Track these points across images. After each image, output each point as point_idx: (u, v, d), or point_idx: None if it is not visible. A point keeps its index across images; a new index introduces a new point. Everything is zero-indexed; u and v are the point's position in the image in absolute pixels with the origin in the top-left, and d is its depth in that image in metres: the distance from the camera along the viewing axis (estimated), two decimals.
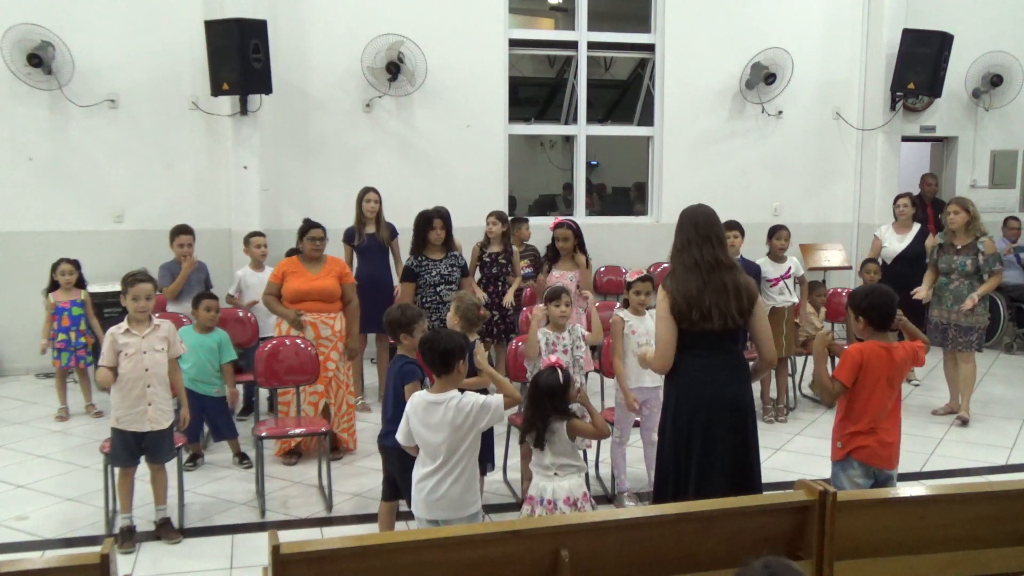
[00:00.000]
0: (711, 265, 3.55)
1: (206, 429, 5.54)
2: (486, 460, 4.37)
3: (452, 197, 7.00)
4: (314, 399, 5.43)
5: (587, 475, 4.15)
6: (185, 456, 5.09)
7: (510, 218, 7.36)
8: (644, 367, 4.17)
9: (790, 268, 6.34)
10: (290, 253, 7.15)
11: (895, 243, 7.10)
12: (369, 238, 6.70)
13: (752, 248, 6.73)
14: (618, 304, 6.41)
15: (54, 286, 6.42)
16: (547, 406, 3.71)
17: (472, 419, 3.37)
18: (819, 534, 2.50)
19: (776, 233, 6.39)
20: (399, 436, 3.57)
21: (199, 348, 5.29)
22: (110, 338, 4.18)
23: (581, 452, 4.07)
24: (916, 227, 7.09)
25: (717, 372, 3.57)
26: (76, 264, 6.48)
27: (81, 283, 6.53)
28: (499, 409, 3.42)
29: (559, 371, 3.76)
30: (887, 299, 3.69)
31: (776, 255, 6.35)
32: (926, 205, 9.36)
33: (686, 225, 3.65)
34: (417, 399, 3.48)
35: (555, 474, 3.73)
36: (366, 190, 6.77)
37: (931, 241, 6.92)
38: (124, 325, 4.21)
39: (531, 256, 7.29)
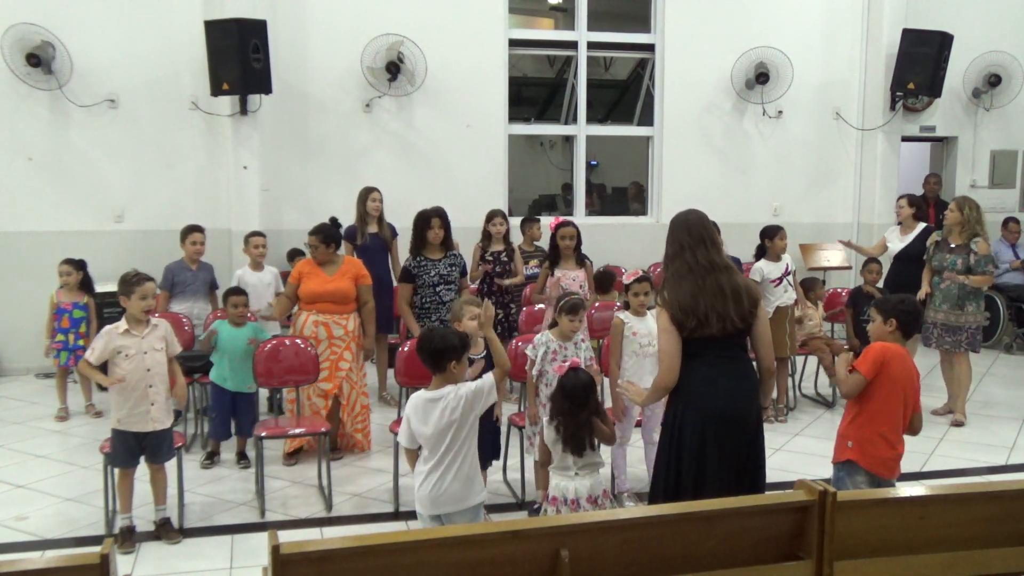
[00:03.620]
0: (706, 268, 3.45)
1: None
2: (490, 454, 4.38)
3: (452, 197, 7.00)
4: (323, 396, 5.43)
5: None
6: (175, 452, 5.07)
7: (521, 218, 7.40)
8: (649, 400, 3.89)
9: (788, 265, 6.35)
10: (291, 253, 7.19)
11: (896, 242, 7.11)
12: (372, 237, 6.71)
13: (752, 248, 6.72)
14: (617, 305, 6.42)
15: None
16: (586, 406, 3.69)
17: (468, 407, 3.41)
18: (819, 534, 2.49)
19: (778, 233, 6.39)
20: (401, 439, 3.58)
21: (234, 342, 5.32)
22: (106, 337, 4.14)
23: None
24: (920, 227, 7.07)
25: (723, 383, 3.44)
26: (79, 265, 6.43)
27: (89, 286, 6.49)
28: (492, 390, 3.45)
29: (582, 370, 3.78)
30: (919, 308, 3.79)
31: (776, 255, 6.35)
32: (929, 205, 9.36)
33: (678, 230, 3.56)
34: (415, 399, 3.50)
35: (576, 474, 3.73)
36: (369, 189, 6.78)
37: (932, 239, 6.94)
38: (122, 325, 4.18)
39: (540, 256, 7.28)
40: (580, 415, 3.67)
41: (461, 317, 4.37)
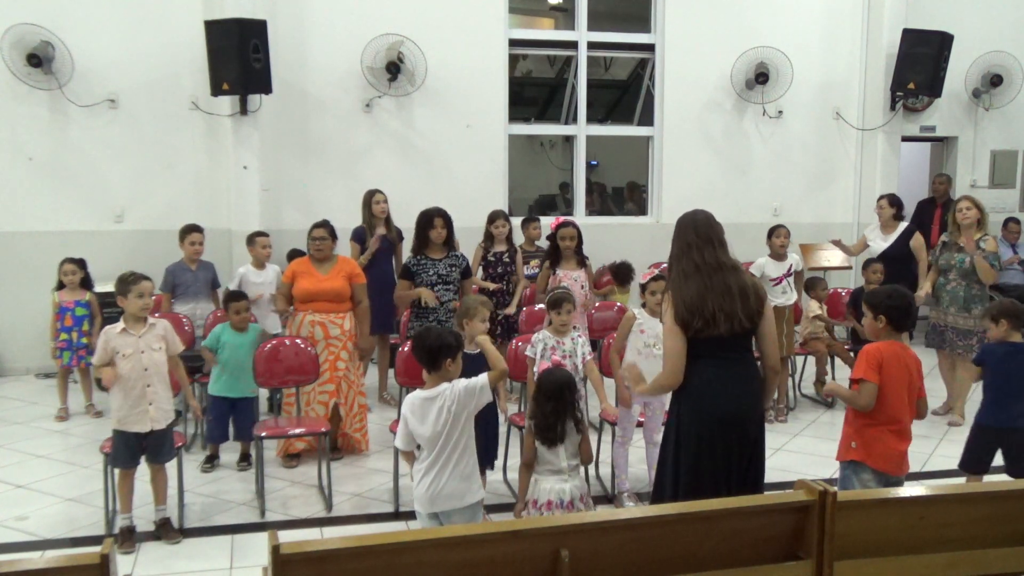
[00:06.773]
0: (713, 268, 3.41)
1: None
2: (488, 457, 4.37)
3: (452, 197, 6.99)
4: (324, 399, 5.43)
5: (586, 473, 4.19)
6: (176, 452, 5.07)
7: (521, 219, 7.42)
8: (647, 392, 3.81)
9: (791, 265, 6.34)
10: (291, 253, 7.18)
11: (879, 242, 7.09)
12: (380, 239, 6.71)
13: (753, 248, 6.72)
14: (619, 305, 6.42)
15: (61, 285, 6.42)
16: (566, 400, 3.80)
17: (462, 403, 3.42)
18: (819, 534, 2.49)
19: (775, 232, 6.38)
20: (398, 442, 3.59)
21: (237, 348, 5.28)
22: (104, 338, 4.16)
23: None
24: (901, 227, 7.07)
25: (728, 385, 3.40)
26: (81, 264, 6.47)
27: (88, 283, 6.51)
28: (485, 389, 3.46)
29: (561, 369, 3.82)
30: (909, 300, 3.69)
31: (777, 254, 6.34)
32: (937, 206, 9.33)
33: (685, 229, 3.53)
34: (412, 399, 3.51)
35: (568, 475, 3.79)
36: (372, 192, 6.75)
37: (917, 242, 6.90)
38: (120, 325, 4.19)
39: (541, 256, 7.27)
40: (547, 407, 3.80)
41: (473, 316, 4.33)
